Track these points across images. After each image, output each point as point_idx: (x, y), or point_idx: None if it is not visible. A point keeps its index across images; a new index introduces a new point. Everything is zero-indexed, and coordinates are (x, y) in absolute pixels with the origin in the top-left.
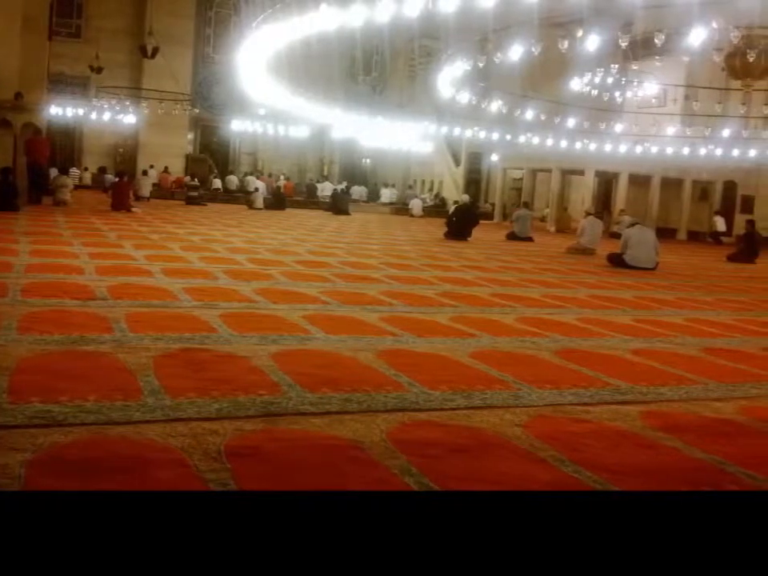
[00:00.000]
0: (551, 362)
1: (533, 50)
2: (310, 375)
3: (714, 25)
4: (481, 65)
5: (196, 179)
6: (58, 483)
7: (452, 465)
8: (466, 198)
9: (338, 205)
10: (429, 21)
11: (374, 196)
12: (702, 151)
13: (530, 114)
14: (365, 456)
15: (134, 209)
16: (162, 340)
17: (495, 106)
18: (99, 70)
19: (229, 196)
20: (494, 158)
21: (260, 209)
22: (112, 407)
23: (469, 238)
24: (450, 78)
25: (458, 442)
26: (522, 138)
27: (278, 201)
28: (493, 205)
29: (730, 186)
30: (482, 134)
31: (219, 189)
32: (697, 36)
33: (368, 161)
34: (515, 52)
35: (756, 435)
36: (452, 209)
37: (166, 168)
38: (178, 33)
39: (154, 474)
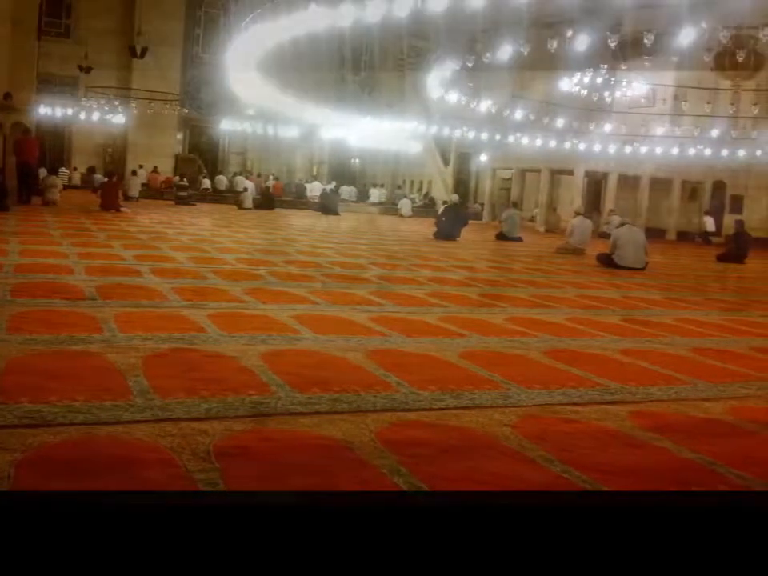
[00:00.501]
0: (540, 362)
1: (522, 50)
2: (300, 375)
3: (704, 25)
4: (470, 65)
5: (185, 179)
6: (47, 483)
7: (441, 465)
8: (455, 197)
9: (327, 205)
10: (418, 21)
11: (363, 196)
12: (691, 151)
13: (519, 114)
14: (354, 456)
15: (123, 209)
16: (151, 340)
17: (484, 106)
18: (88, 70)
19: (218, 196)
20: (483, 158)
21: (249, 209)
22: (101, 407)
23: (458, 238)
24: (440, 78)
25: (447, 442)
26: (511, 138)
27: (267, 201)
28: (482, 205)
29: (719, 186)
30: (471, 134)
31: (208, 189)
32: (686, 36)
33: (357, 161)
34: (504, 52)
35: (745, 435)
36: (441, 209)
37: (156, 168)
38: (167, 33)
39: (143, 474)
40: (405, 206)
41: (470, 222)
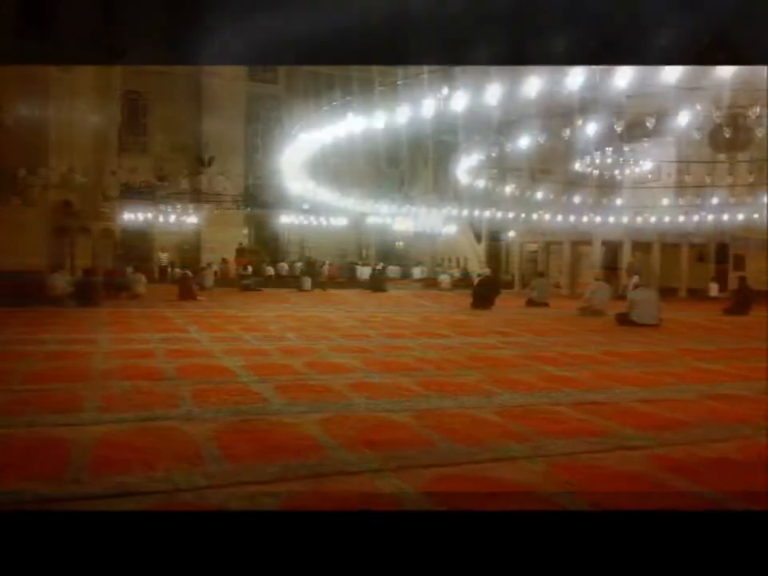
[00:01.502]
0: (569, 415)
1: (539, 140)
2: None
3: (698, 107)
4: (494, 154)
5: (250, 267)
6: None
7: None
8: (487, 271)
9: (376, 283)
10: (444, 119)
11: (407, 273)
12: (695, 218)
13: (540, 194)
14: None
15: (199, 298)
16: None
17: (509, 188)
18: (163, 179)
19: (280, 282)
20: (511, 234)
21: (308, 290)
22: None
23: (492, 306)
24: (467, 166)
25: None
26: (534, 216)
27: (321, 284)
28: (512, 275)
29: (722, 247)
30: (499, 214)
31: (272, 275)
32: (683, 119)
33: (401, 243)
34: (523, 142)
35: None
36: (476, 281)
37: (224, 259)
38: (230, 143)
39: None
40: (444, 280)
41: (501, 291)
